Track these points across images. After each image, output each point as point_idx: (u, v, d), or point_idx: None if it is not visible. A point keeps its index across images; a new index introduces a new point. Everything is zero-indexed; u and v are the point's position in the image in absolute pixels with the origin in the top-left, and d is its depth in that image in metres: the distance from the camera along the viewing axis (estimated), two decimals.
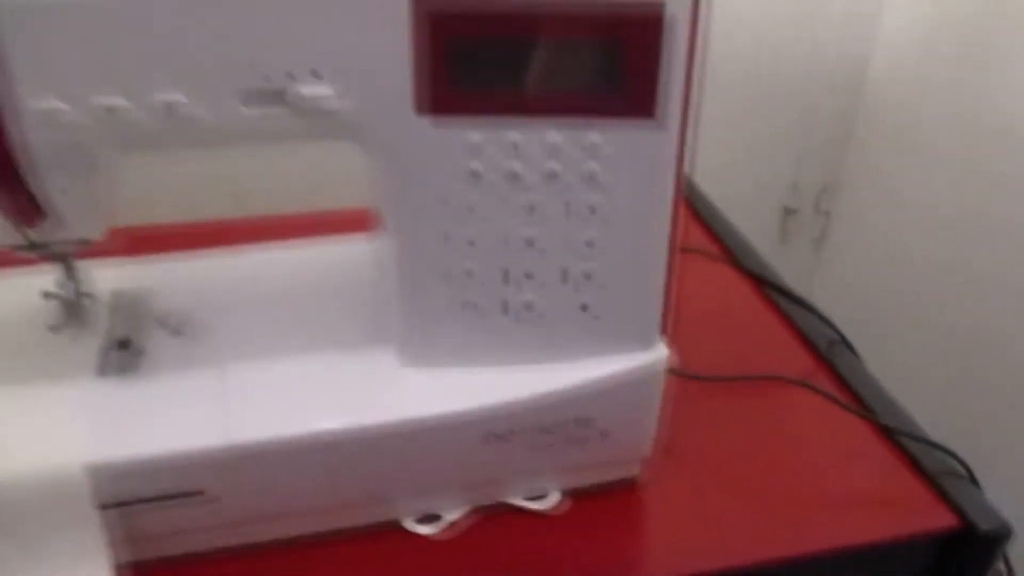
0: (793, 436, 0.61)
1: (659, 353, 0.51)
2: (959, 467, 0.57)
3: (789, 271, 0.80)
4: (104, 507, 0.45)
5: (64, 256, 0.52)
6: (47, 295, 0.54)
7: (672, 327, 0.51)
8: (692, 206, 0.88)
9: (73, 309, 0.54)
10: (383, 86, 0.43)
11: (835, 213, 1.27)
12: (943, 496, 0.55)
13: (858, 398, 0.63)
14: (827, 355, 0.67)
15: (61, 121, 0.41)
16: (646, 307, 0.50)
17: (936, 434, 0.59)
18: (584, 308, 0.49)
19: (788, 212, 1.25)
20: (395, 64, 0.43)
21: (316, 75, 0.42)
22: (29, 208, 0.44)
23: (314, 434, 0.47)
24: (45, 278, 0.55)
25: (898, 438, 0.59)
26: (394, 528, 0.53)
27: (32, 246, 0.48)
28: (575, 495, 0.55)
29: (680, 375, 0.58)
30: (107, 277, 0.57)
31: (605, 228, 0.47)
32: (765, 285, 0.74)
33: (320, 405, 0.49)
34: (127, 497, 0.46)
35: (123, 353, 0.52)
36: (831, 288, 1.29)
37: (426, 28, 0.42)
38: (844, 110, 1.19)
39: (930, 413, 0.65)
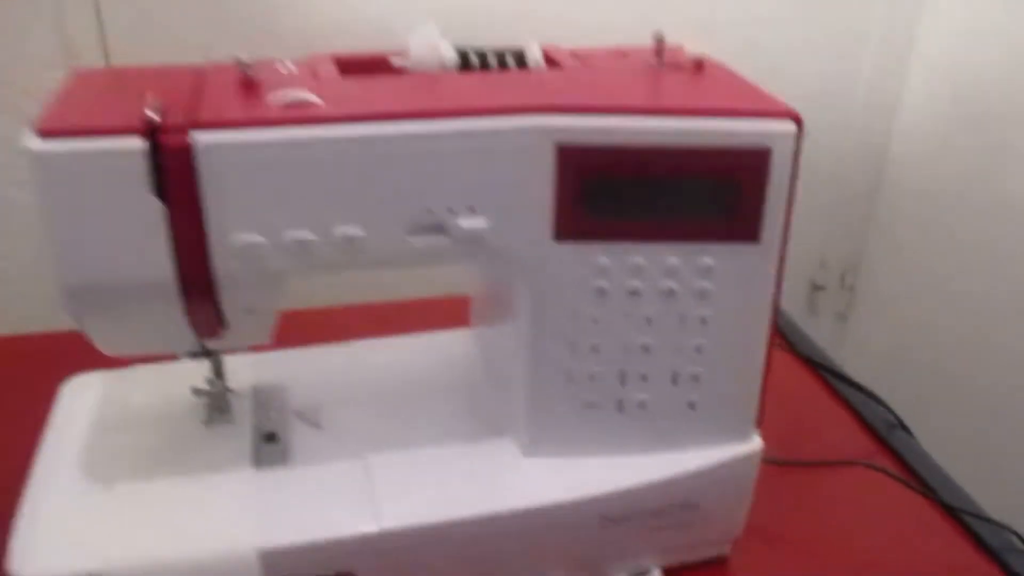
0: (861, 515, 0.66)
1: (755, 444, 0.57)
2: (1018, 542, 0.63)
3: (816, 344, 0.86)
4: None
5: (216, 354, 0.58)
6: (197, 392, 0.60)
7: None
8: None
9: (220, 403, 0.60)
10: (528, 218, 0.50)
11: (859, 288, 1.35)
12: (1006, 571, 0.61)
13: (919, 478, 0.68)
14: (886, 436, 0.73)
15: (258, 252, 0.47)
16: (745, 403, 0.56)
17: (987, 503, 0.65)
18: (691, 405, 0.55)
19: (815, 288, 1.32)
20: (539, 200, 0.49)
21: (472, 210, 0.49)
22: (216, 322, 0.50)
23: (453, 521, 0.53)
24: (189, 371, 0.62)
25: (960, 516, 0.65)
26: None
27: (204, 352, 0.54)
28: (672, 572, 0.60)
29: (768, 462, 0.63)
30: (244, 370, 0.63)
31: (713, 336, 0.53)
32: (822, 369, 0.81)
33: (456, 493, 0.54)
34: None
35: (272, 446, 0.58)
36: (856, 360, 1.35)
37: (566, 171, 0.49)
38: (867, 192, 1.27)
39: (974, 483, 0.70)
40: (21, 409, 0.72)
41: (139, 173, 0.45)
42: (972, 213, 1.08)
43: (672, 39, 0.56)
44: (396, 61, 0.55)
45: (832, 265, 1.31)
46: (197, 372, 0.62)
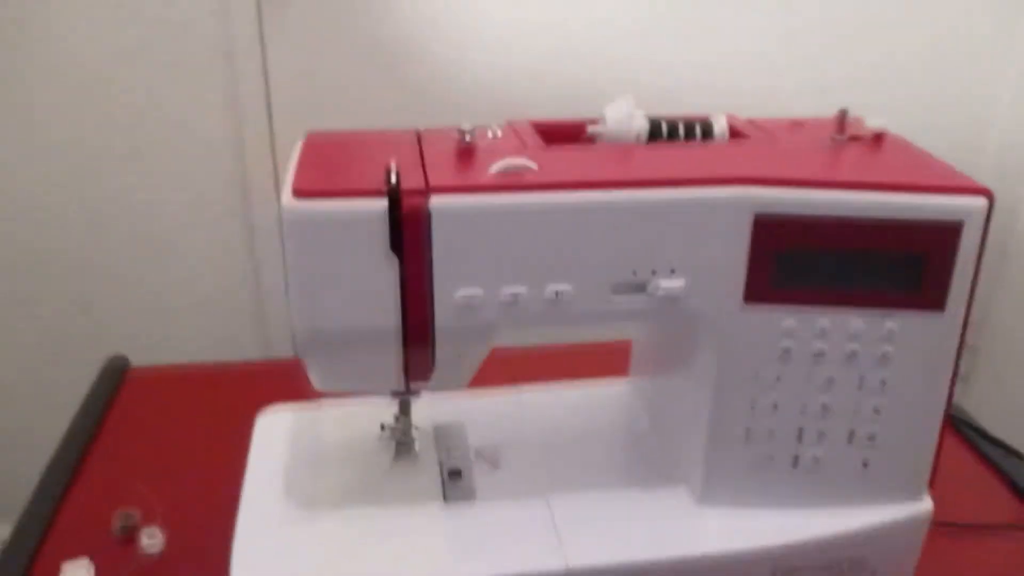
0: None
1: (926, 504, 0.58)
2: None
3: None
4: None
5: (405, 398, 0.63)
6: (385, 427, 0.65)
7: None
8: None
9: (407, 440, 0.64)
10: (722, 281, 0.53)
11: (983, 350, 1.33)
12: None
13: None
14: None
15: (475, 305, 0.52)
16: (918, 464, 0.58)
17: None
18: (865, 464, 0.57)
19: None
20: (733, 265, 0.53)
21: (673, 272, 0.52)
22: (427, 368, 0.55)
23: (635, 564, 0.56)
24: (373, 409, 0.66)
25: None
26: None
27: (406, 392, 0.58)
28: None
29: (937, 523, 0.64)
30: (424, 409, 0.67)
31: (891, 398, 0.55)
32: (964, 427, 0.81)
33: (636, 537, 0.57)
34: None
35: (458, 482, 0.62)
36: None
37: (761, 239, 0.52)
38: (996, 252, 1.26)
39: None
40: (218, 431, 0.79)
41: (379, 232, 0.50)
42: None
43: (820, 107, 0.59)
44: (591, 129, 0.59)
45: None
46: (380, 410, 0.66)
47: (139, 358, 0.93)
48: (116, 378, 0.89)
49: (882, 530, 0.58)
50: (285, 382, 0.73)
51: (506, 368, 0.77)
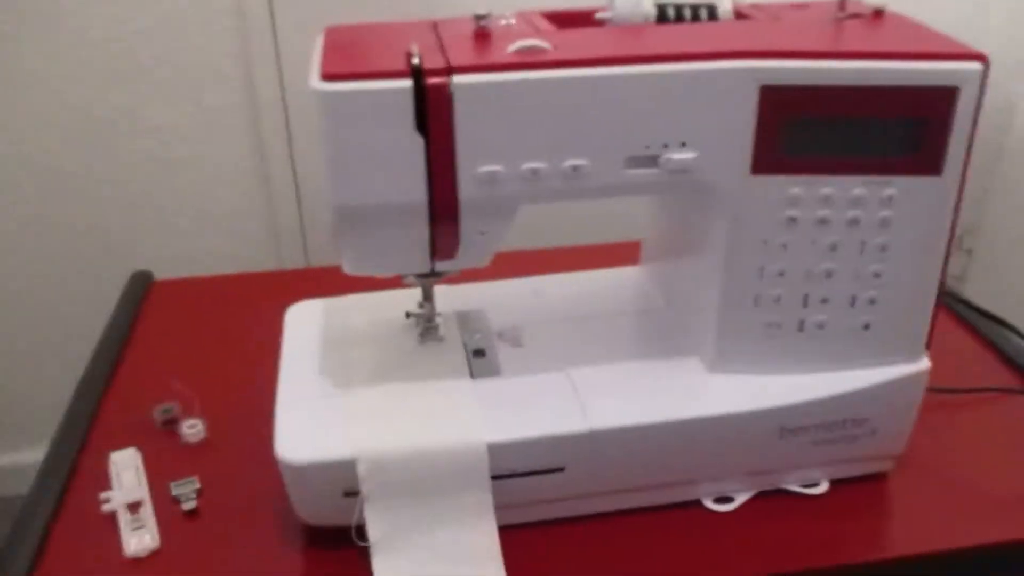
0: (1010, 441, 0.71)
1: (924, 364, 0.62)
2: None
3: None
4: (493, 478, 0.58)
5: (429, 282, 0.66)
6: (410, 314, 0.68)
7: None
8: None
9: (431, 325, 0.68)
10: (730, 152, 0.56)
11: (977, 252, 1.37)
12: None
13: None
14: None
15: (497, 180, 0.54)
16: (917, 326, 0.61)
17: None
18: (866, 327, 0.61)
19: None
20: (741, 136, 0.55)
21: (684, 145, 0.55)
22: (452, 245, 0.58)
23: (651, 424, 0.60)
24: (397, 299, 0.70)
25: None
26: (696, 506, 0.64)
27: (431, 274, 0.62)
28: (838, 484, 0.66)
29: (929, 389, 0.68)
30: (446, 298, 0.71)
31: (891, 262, 0.59)
32: (960, 304, 0.85)
33: (652, 402, 0.61)
34: (506, 471, 0.59)
35: (483, 360, 0.65)
36: None
37: (768, 109, 0.54)
38: (991, 155, 1.29)
39: None
40: (245, 333, 0.82)
41: (405, 111, 0.52)
42: None
43: None
44: (600, 15, 0.61)
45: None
46: (404, 300, 0.70)
47: (158, 275, 0.96)
48: (142, 290, 0.92)
49: (882, 389, 0.62)
50: (307, 288, 0.77)
51: (522, 265, 0.80)
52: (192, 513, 0.64)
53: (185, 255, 1.22)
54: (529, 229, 1.05)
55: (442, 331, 0.68)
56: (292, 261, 1.24)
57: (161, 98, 1.12)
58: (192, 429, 0.71)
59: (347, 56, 0.55)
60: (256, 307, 0.79)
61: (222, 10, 1.08)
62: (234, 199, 1.20)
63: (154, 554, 0.61)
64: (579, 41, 0.56)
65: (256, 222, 1.22)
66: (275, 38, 1.09)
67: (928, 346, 0.63)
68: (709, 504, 0.64)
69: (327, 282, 0.74)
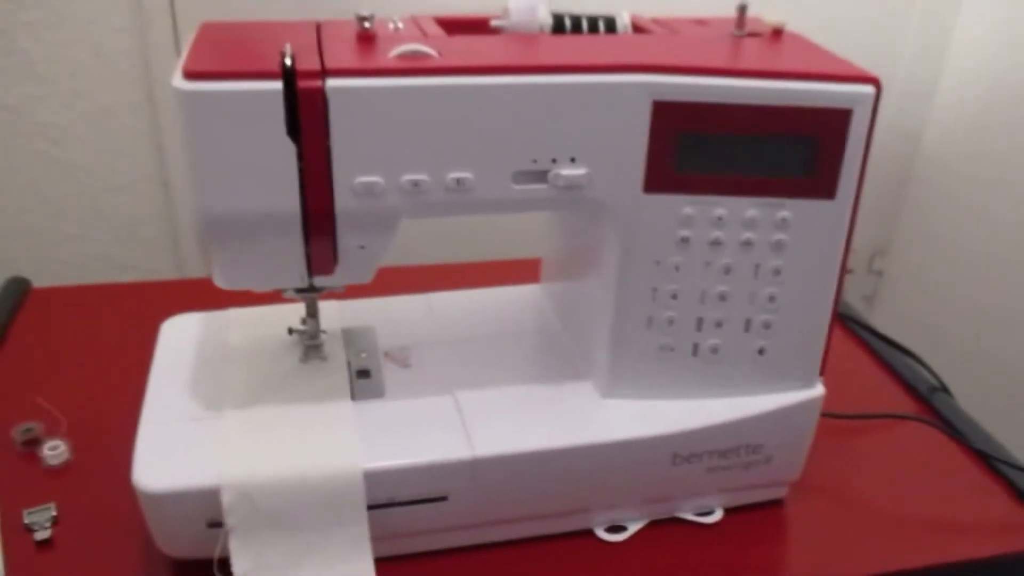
0: (907, 467, 0.70)
1: (819, 390, 0.61)
2: None
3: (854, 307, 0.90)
4: (370, 507, 0.55)
5: (312, 297, 0.62)
6: (292, 331, 0.64)
7: None
8: None
9: (314, 343, 0.64)
10: (622, 169, 0.54)
11: (888, 273, 1.38)
12: None
13: (961, 434, 0.72)
14: (928, 397, 0.77)
15: (376, 192, 0.51)
16: (811, 351, 0.60)
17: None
18: (761, 351, 0.59)
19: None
20: (633, 152, 0.53)
21: (573, 160, 0.53)
22: (329, 259, 0.54)
23: (539, 451, 0.57)
24: (280, 314, 0.66)
25: (998, 466, 0.69)
26: (588, 536, 0.62)
27: (311, 289, 0.58)
28: (733, 512, 0.64)
29: (823, 415, 0.67)
30: (333, 314, 0.67)
31: (785, 286, 0.57)
32: (864, 331, 0.85)
33: (541, 427, 0.58)
34: (385, 500, 0.56)
35: (366, 381, 0.62)
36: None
37: (661, 125, 0.53)
38: (899, 177, 1.31)
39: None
40: (122, 346, 0.77)
41: (275, 114, 0.49)
42: (1007, 201, 1.12)
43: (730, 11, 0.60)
44: (495, 23, 0.58)
45: (860, 248, 1.35)
46: (287, 315, 0.66)
47: (42, 283, 0.90)
48: (16, 298, 0.86)
49: (777, 415, 0.60)
50: (193, 299, 0.72)
51: (418, 281, 0.77)
52: (44, 543, 0.59)
53: (75, 262, 1.15)
54: (430, 243, 1.03)
55: (326, 349, 0.64)
56: (193, 270, 1.18)
57: (51, 95, 1.06)
58: (54, 451, 0.66)
59: (215, 54, 0.51)
60: (140, 319, 0.75)
61: (119, 4, 1.02)
62: (130, 204, 1.14)
63: None
64: (467, 48, 0.54)
65: (154, 228, 1.16)
66: (176, 36, 1.04)
67: (823, 371, 0.61)
68: (601, 533, 0.62)
69: (220, 294, 0.70)
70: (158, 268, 1.18)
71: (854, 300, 1.39)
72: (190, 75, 0.48)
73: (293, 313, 0.66)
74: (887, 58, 1.22)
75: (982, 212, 1.17)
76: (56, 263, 1.15)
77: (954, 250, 1.23)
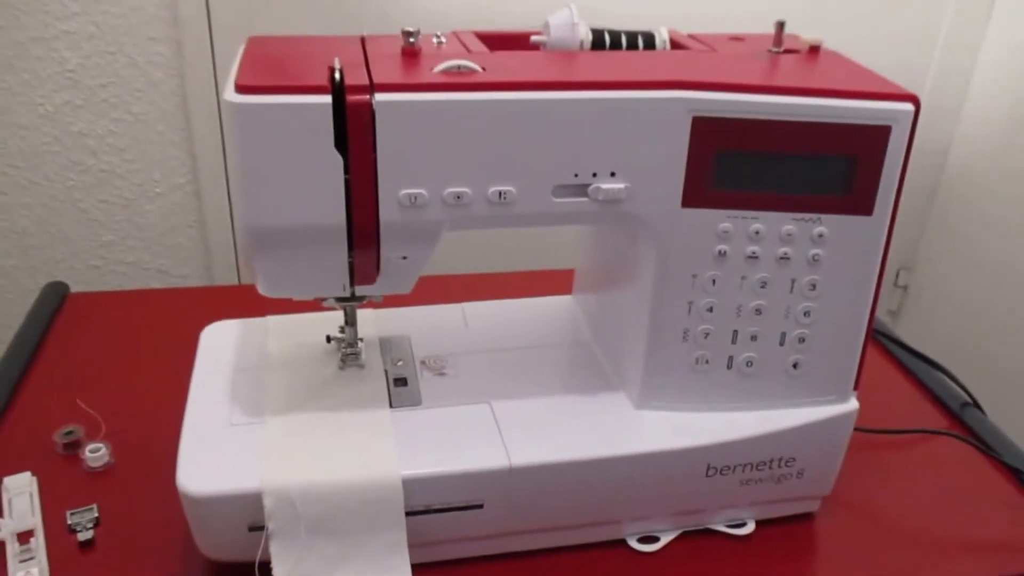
0: (939, 483, 0.70)
1: (852, 405, 0.61)
2: None
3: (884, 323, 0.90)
4: (408, 514, 0.56)
5: (351, 306, 0.63)
6: (331, 338, 0.65)
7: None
8: None
9: (352, 351, 0.65)
10: (661, 184, 0.54)
11: (912, 288, 1.38)
12: None
13: (994, 450, 0.72)
14: (959, 413, 0.77)
15: (419, 204, 0.52)
16: (845, 366, 0.60)
17: None
18: (795, 365, 0.60)
19: None
20: (672, 168, 0.54)
21: (613, 175, 0.54)
22: (372, 269, 0.55)
23: (574, 461, 0.58)
24: (318, 321, 0.67)
25: None
26: (621, 546, 0.62)
27: (352, 298, 0.59)
28: (765, 524, 0.65)
29: (856, 430, 0.67)
30: (370, 323, 0.68)
31: (821, 301, 0.58)
32: (895, 346, 0.85)
33: (576, 438, 0.59)
34: (422, 507, 0.56)
35: (404, 389, 0.63)
36: None
37: (700, 141, 0.53)
38: (926, 192, 1.31)
39: None
40: (158, 351, 0.78)
41: (324, 127, 0.50)
42: None
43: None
44: (535, 39, 0.59)
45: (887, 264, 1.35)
46: (325, 323, 0.67)
47: (79, 289, 0.91)
48: (55, 303, 0.87)
49: (810, 429, 0.61)
50: (230, 306, 0.73)
51: (451, 291, 0.78)
52: (87, 544, 0.60)
53: (109, 268, 1.17)
54: (465, 253, 1.04)
55: (363, 357, 0.65)
56: (223, 278, 1.20)
57: (88, 104, 1.08)
58: (95, 454, 0.67)
59: (266, 68, 0.52)
60: (176, 325, 0.76)
61: (157, 17, 1.04)
62: (163, 212, 1.16)
63: None
64: (510, 63, 0.55)
65: (186, 236, 1.18)
66: (212, 47, 1.06)
67: (856, 386, 0.62)
68: (634, 544, 0.62)
69: (255, 300, 0.71)
70: (188, 274, 1.20)
71: (879, 314, 1.39)
72: (243, 89, 0.49)
73: (330, 320, 0.67)
74: (915, 74, 1.22)
75: (1007, 227, 1.17)
76: (89, 269, 1.17)
77: (979, 265, 1.23)
